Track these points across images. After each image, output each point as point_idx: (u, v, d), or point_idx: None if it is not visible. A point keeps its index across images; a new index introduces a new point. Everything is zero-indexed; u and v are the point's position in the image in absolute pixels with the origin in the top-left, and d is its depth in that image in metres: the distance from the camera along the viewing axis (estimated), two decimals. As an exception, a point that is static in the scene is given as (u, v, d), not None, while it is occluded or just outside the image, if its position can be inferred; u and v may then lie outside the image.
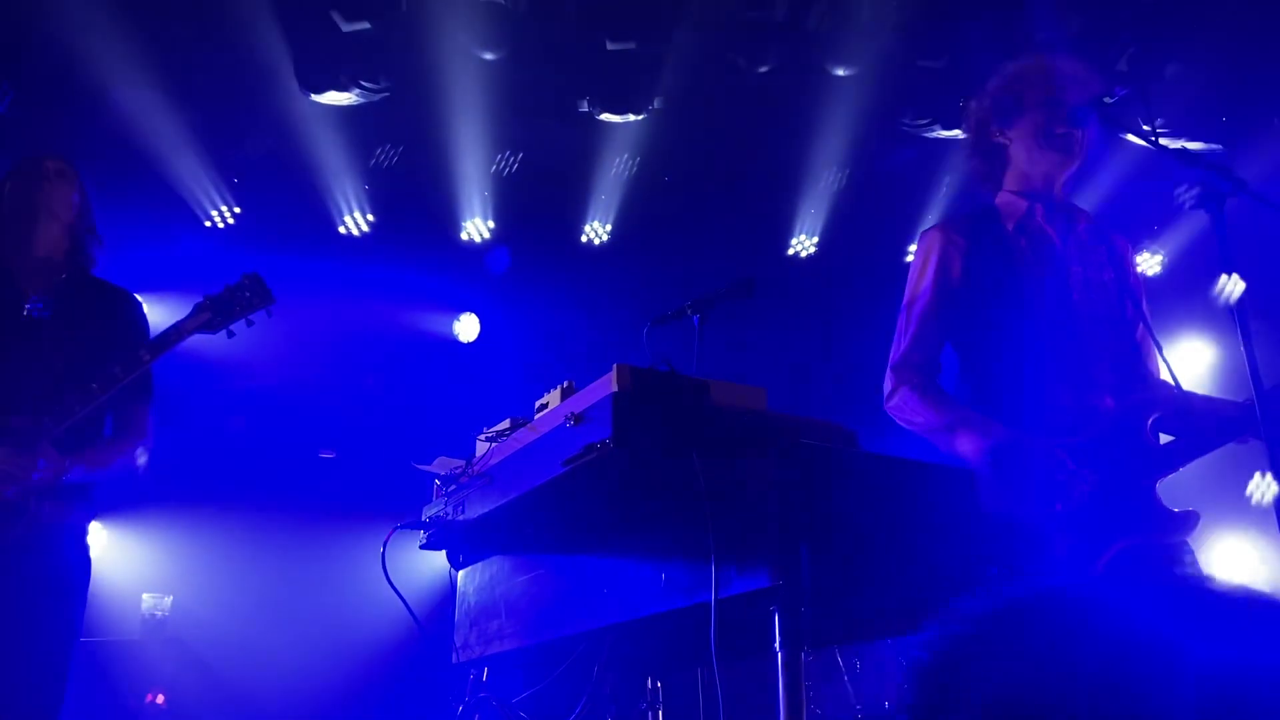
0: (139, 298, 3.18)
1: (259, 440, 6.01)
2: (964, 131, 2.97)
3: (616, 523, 2.13)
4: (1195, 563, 2.47)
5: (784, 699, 1.66)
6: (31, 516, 2.78)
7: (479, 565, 2.73)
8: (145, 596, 5.14)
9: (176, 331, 2.84)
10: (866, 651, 4.71)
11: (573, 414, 1.97)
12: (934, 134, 6.04)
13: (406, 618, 2.62)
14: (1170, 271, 6.92)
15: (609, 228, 6.71)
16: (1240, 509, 6.17)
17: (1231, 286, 2.11)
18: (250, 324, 2.90)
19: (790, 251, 6.96)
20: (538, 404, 2.24)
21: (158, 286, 5.93)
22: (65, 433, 2.78)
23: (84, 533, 2.94)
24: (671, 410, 1.89)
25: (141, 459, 2.98)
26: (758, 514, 1.73)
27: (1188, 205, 2.26)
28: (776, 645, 1.69)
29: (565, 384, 2.16)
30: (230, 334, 2.88)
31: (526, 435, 2.20)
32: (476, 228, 6.60)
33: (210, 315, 2.83)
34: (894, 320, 2.89)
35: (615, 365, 1.90)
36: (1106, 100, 2.48)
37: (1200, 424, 2.40)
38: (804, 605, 1.70)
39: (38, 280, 2.98)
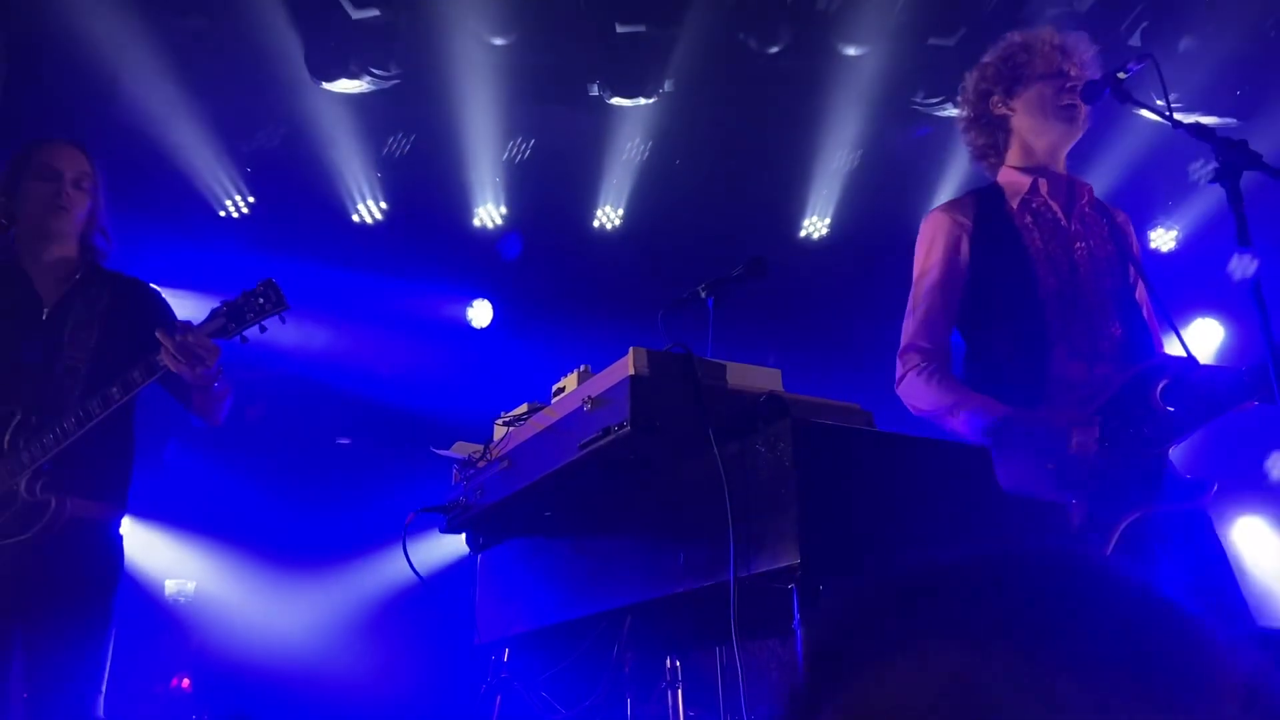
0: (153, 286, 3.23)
1: (275, 428, 6.06)
2: (963, 103, 2.95)
3: (634, 504, 2.16)
4: (1211, 530, 2.48)
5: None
6: (67, 512, 2.84)
7: (499, 548, 2.77)
8: (168, 582, 5.21)
9: None
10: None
11: (590, 397, 1.99)
12: (946, 112, 6.02)
13: (428, 600, 2.65)
14: (1183, 248, 6.89)
15: (621, 212, 6.71)
16: (1258, 490, 6.16)
17: (1247, 263, 2.11)
18: (264, 330, 2.93)
19: (802, 234, 6.95)
20: (554, 388, 2.26)
21: (173, 277, 5.98)
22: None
23: (117, 526, 2.99)
24: (688, 392, 1.90)
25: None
26: (775, 494, 1.75)
27: (1203, 180, 2.26)
28: (795, 623, 1.71)
29: (582, 368, 2.18)
30: (244, 339, 2.91)
31: (544, 419, 2.22)
32: (489, 214, 6.61)
33: (225, 322, 2.86)
34: (903, 303, 2.89)
35: (632, 348, 1.92)
36: (1121, 75, 2.47)
37: (1208, 390, 2.40)
38: (822, 584, 1.72)
39: (53, 282, 3.03)
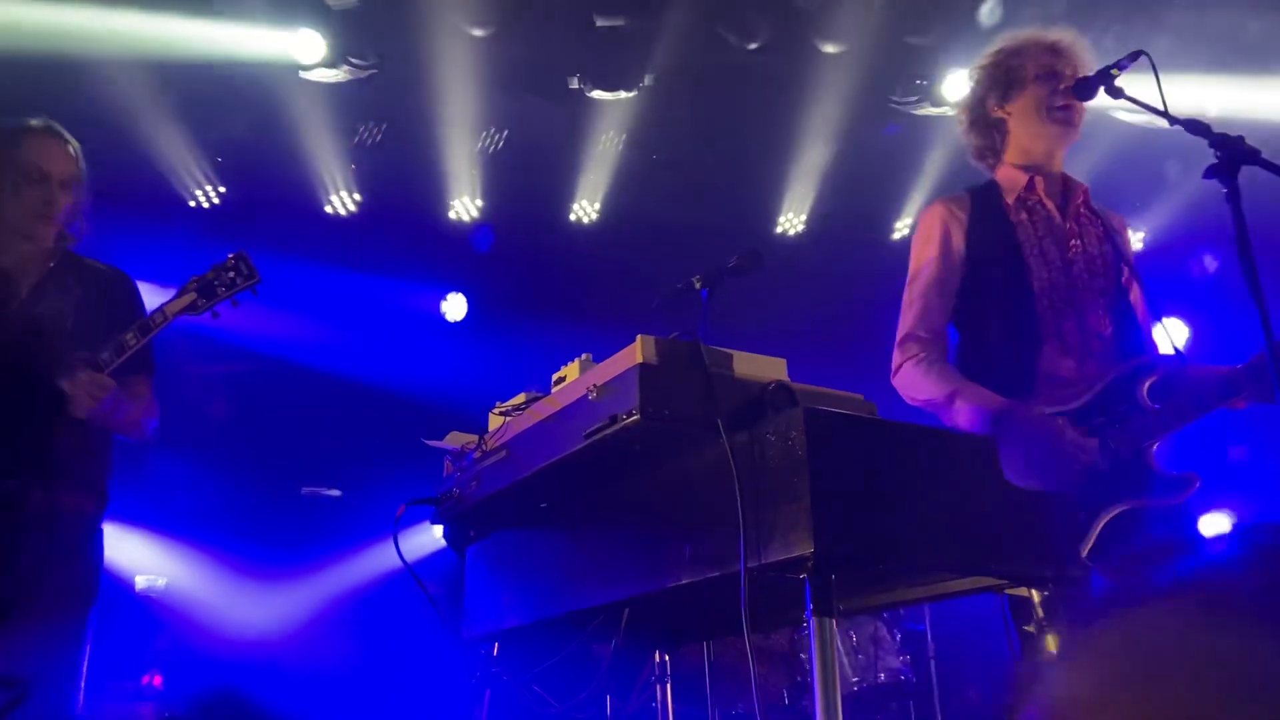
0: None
1: (248, 420, 5.96)
2: (960, 106, 2.99)
3: (638, 495, 2.14)
4: (1190, 525, 2.52)
5: (816, 664, 1.68)
6: (50, 508, 2.78)
7: (490, 539, 2.73)
8: (138, 578, 5.11)
9: (162, 315, 2.80)
10: (861, 625, 4.77)
11: (595, 385, 1.97)
12: (922, 110, 6.06)
13: (414, 593, 2.61)
14: (1151, 249, 7.00)
15: (598, 206, 6.69)
16: (1224, 485, 6.27)
17: (1210, 261, 2.13)
18: (236, 304, 2.86)
19: (778, 229, 6.96)
20: (555, 377, 2.24)
21: (142, 268, 5.85)
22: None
23: (98, 518, 2.93)
24: (697, 380, 1.89)
25: (151, 422, 3.00)
26: (787, 483, 1.74)
27: (1182, 180, 2.29)
28: (808, 613, 1.70)
29: (583, 356, 2.16)
30: (215, 315, 2.84)
31: (545, 408, 2.19)
32: (464, 206, 6.56)
33: (195, 297, 2.79)
34: (884, 298, 2.91)
35: (639, 336, 1.90)
36: (1115, 72, 2.49)
37: (1196, 388, 2.44)
38: (834, 573, 1.72)
39: (28, 270, 2.96)
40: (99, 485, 2.95)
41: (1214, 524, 6.33)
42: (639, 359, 1.87)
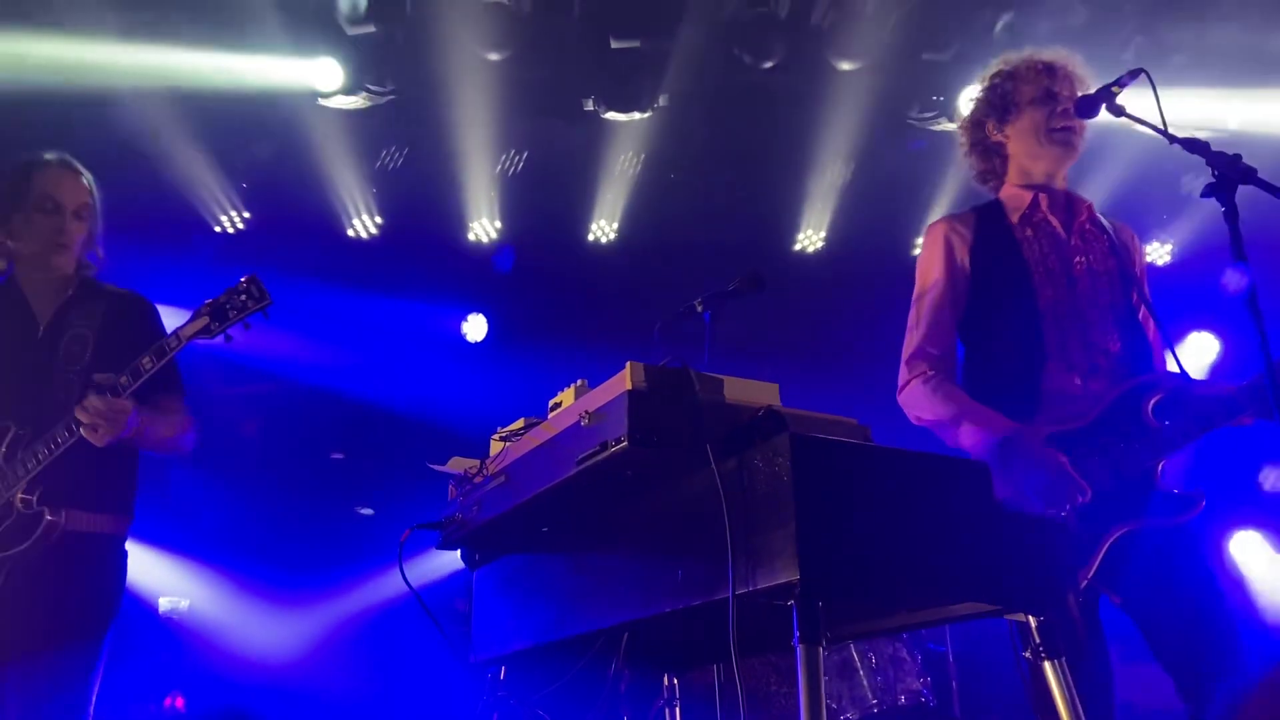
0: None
1: (270, 443, 6.04)
2: (960, 129, 3.00)
3: (632, 520, 2.14)
4: (1200, 546, 2.48)
5: (803, 692, 1.67)
6: (64, 524, 2.84)
7: (496, 564, 2.75)
8: (162, 600, 5.17)
9: (176, 339, 2.86)
10: (880, 646, 4.72)
11: (587, 412, 1.98)
12: (940, 127, 6.04)
13: (422, 616, 2.63)
14: (1178, 262, 6.91)
15: (616, 226, 6.72)
16: (1255, 503, 6.15)
17: (1239, 277, 2.11)
18: (247, 327, 2.89)
19: (797, 247, 6.96)
20: (551, 403, 2.25)
21: (170, 293, 5.96)
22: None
23: (121, 541, 3.00)
24: (686, 406, 1.89)
25: (187, 437, 3.09)
26: (773, 509, 1.74)
27: (1197, 193, 2.28)
28: (795, 640, 1.70)
29: (579, 382, 2.17)
30: (228, 338, 2.87)
31: (541, 434, 2.20)
32: (484, 228, 6.62)
33: (208, 320, 2.83)
34: (901, 314, 2.91)
35: (629, 363, 1.91)
36: (1115, 90, 2.48)
37: (1201, 406, 2.41)
38: (821, 600, 1.71)
39: (48, 298, 3.05)
40: (122, 505, 3.01)
41: (1244, 543, 6.22)
42: (628, 386, 1.88)
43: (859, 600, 1.85)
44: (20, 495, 2.81)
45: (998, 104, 2.82)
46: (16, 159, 3.08)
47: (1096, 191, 5.95)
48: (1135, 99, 2.49)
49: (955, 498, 1.88)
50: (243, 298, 2.84)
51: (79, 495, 2.88)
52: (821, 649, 1.68)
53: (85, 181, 3.10)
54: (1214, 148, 2.14)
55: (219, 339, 2.88)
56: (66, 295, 3.06)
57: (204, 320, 2.84)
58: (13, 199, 3.02)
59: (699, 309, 2.68)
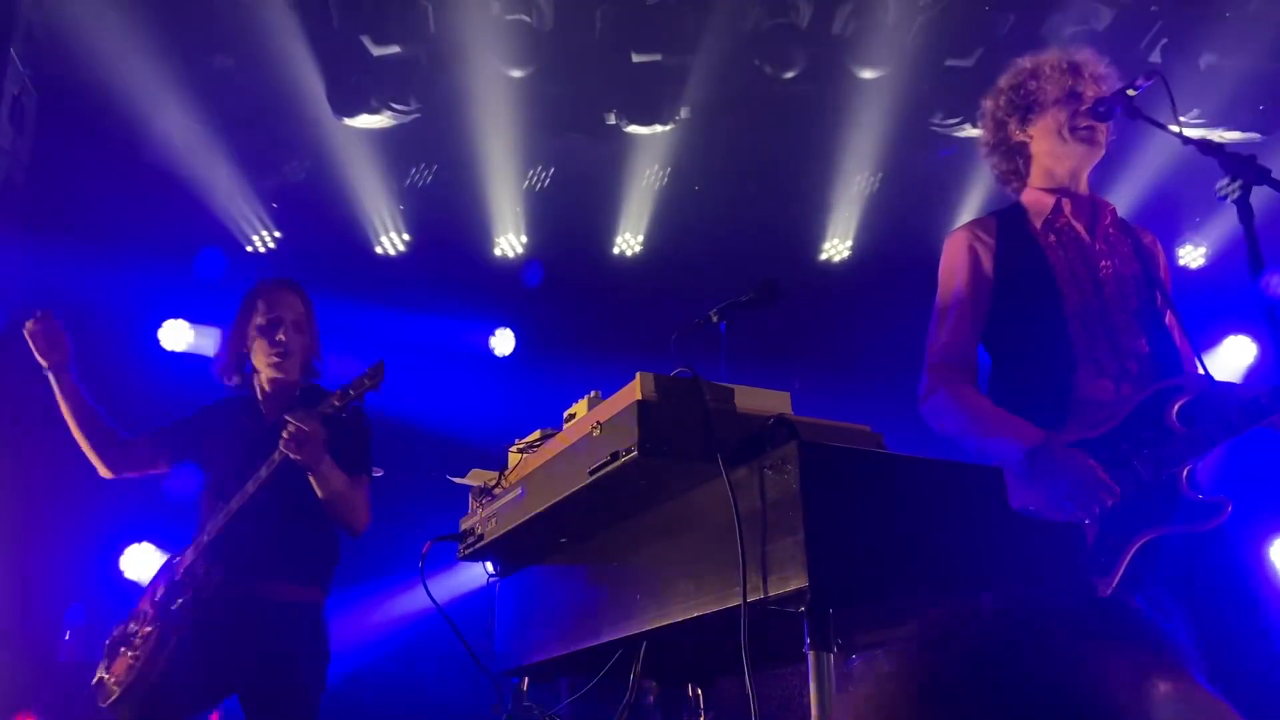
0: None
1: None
2: (982, 130, 2.97)
3: (646, 529, 2.15)
4: (1228, 553, 2.44)
5: (815, 701, 1.67)
6: (278, 602, 3.22)
7: (517, 575, 2.77)
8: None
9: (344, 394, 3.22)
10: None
11: (598, 423, 1.99)
12: (965, 133, 6.01)
13: (445, 627, 2.65)
14: (1212, 265, 6.80)
15: (641, 238, 6.74)
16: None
17: (1278, 281, 2.09)
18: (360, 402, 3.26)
19: (823, 256, 6.94)
20: (565, 414, 2.27)
21: (206, 313, 6.08)
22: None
23: (322, 614, 3.34)
24: (696, 416, 1.90)
25: (360, 518, 3.43)
26: (783, 517, 1.74)
27: (1230, 198, 2.25)
28: (805, 648, 1.70)
29: (592, 394, 2.19)
30: (341, 412, 3.18)
31: (555, 445, 2.23)
32: (510, 243, 6.67)
33: (337, 401, 3.17)
34: (925, 323, 2.89)
35: (639, 373, 1.92)
36: (1130, 92, 2.46)
37: (1227, 409, 2.37)
38: (831, 607, 1.71)
39: (276, 399, 3.45)
40: (323, 578, 3.38)
41: (1283, 549, 6.09)
42: (638, 396, 1.89)
43: (870, 607, 1.84)
44: (194, 557, 3.24)
45: (1021, 104, 2.79)
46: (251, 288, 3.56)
47: (1128, 194, 5.89)
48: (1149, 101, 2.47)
49: (967, 504, 1.88)
50: (367, 381, 3.18)
51: (288, 569, 3.29)
52: (832, 656, 1.68)
53: (300, 295, 3.52)
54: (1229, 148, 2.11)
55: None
56: (293, 398, 3.44)
57: (334, 402, 3.18)
58: (244, 323, 3.48)
59: (715, 319, 2.68)
